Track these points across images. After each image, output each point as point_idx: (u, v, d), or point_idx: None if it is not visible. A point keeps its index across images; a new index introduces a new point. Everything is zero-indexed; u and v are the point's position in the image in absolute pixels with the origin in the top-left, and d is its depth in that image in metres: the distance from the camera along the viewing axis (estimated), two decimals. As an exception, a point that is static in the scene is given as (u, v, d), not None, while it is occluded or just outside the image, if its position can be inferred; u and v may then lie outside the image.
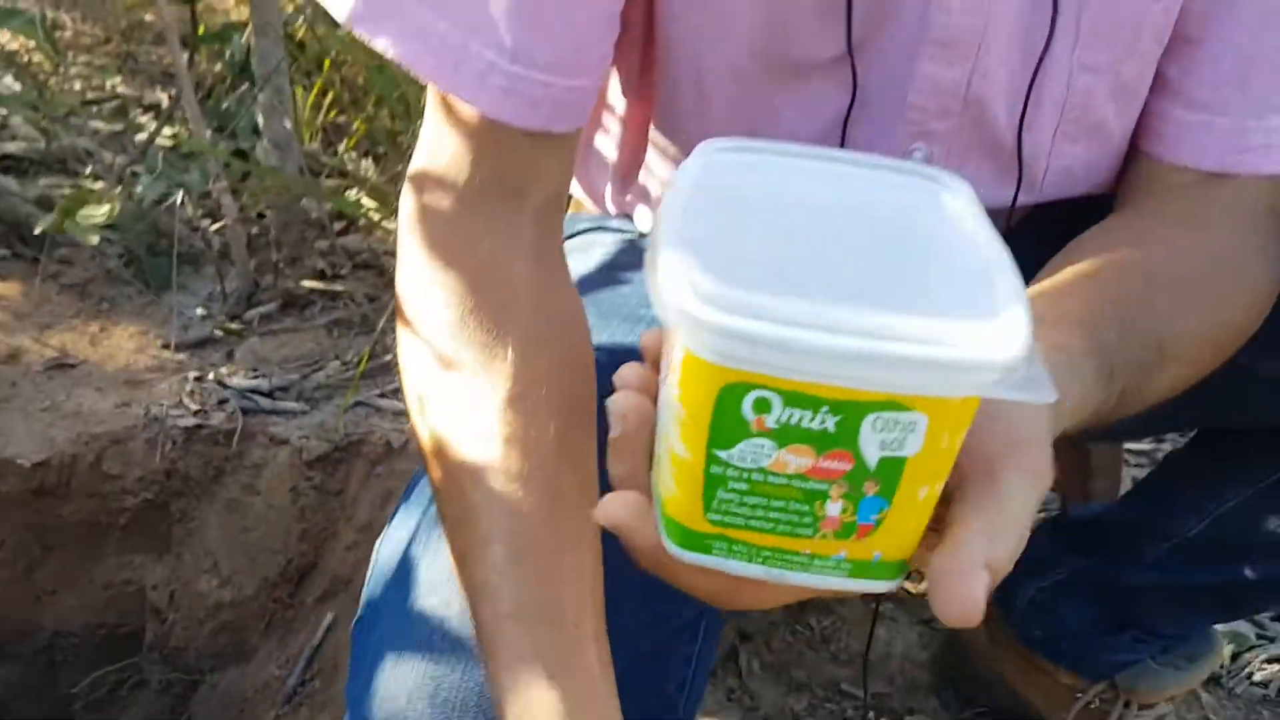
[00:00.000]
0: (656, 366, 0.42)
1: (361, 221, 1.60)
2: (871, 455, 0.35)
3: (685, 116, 0.74)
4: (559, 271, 0.66)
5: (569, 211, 0.93)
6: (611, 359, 0.58)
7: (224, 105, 1.61)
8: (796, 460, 0.36)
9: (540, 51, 0.59)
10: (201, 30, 1.69)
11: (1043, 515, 1.26)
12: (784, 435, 0.35)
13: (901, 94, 0.68)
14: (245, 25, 1.58)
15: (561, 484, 0.60)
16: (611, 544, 0.49)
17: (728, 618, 1.15)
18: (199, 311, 1.47)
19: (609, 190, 0.85)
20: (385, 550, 0.71)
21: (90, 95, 2.09)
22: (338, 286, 1.49)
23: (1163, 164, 0.69)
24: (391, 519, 0.72)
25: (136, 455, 1.30)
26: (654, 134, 0.77)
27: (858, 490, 0.36)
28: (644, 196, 0.83)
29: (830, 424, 0.35)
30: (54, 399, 1.32)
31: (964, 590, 0.37)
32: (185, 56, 1.39)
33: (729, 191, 0.40)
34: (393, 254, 1.26)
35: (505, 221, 0.62)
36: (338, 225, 1.59)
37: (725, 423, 0.35)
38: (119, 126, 1.99)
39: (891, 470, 0.36)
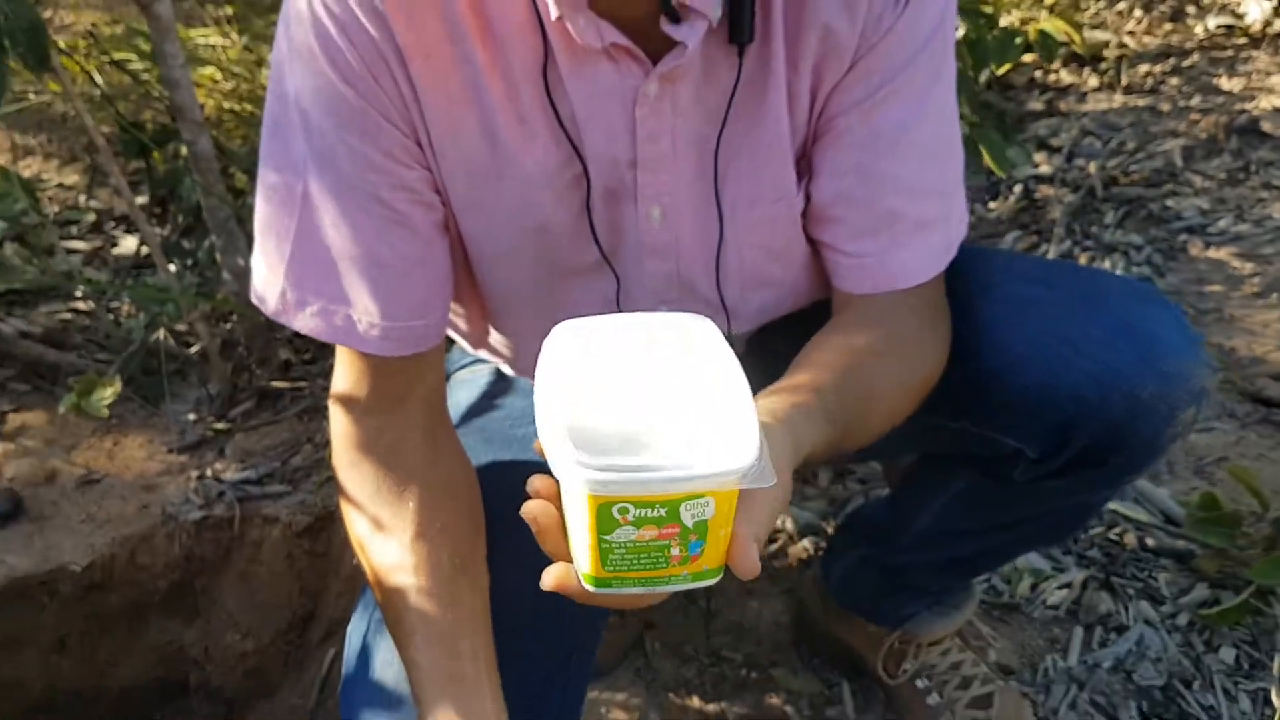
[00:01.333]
0: (552, 479, 0.64)
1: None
2: (689, 522, 0.63)
3: (508, 307, 1.06)
4: (447, 443, 0.99)
5: (452, 348, 1.26)
6: (499, 472, 0.92)
7: (183, 244, 1.92)
8: (648, 534, 0.63)
9: (398, 310, 0.92)
10: (150, 181, 1.99)
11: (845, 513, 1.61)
12: (639, 522, 0.63)
13: (643, 279, 1.00)
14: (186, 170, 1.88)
15: (458, 589, 0.93)
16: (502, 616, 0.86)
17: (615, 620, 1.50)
18: (191, 417, 1.80)
19: (469, 348, 1.18)
20: (352, 638, 1.04)
21: (66, 215, 2.39)
22: (301, 380, 1.82)
23: (843, 291, 1.01)
24: (353, 615, 1.06)
25: (160, 547, 1.63)
26: (491, 316, 1.10)
27: (685, 540, 0.64)
28: (494, 352, 1.15)
29: (663, 512, 0.62)
30: (89, 511, 1.65)
31: (744, 554, 0.65)
32: (143, 203, 1.69)
33: (576, 365, 0.68)
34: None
35: (399, 417, 0.95)
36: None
37: (604, 522, 0.63)
38: (98, 243, 2.31)
39: (701, 527, 0.64)
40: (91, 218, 2.36)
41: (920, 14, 0.89)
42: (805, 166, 0.96)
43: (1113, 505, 1.58)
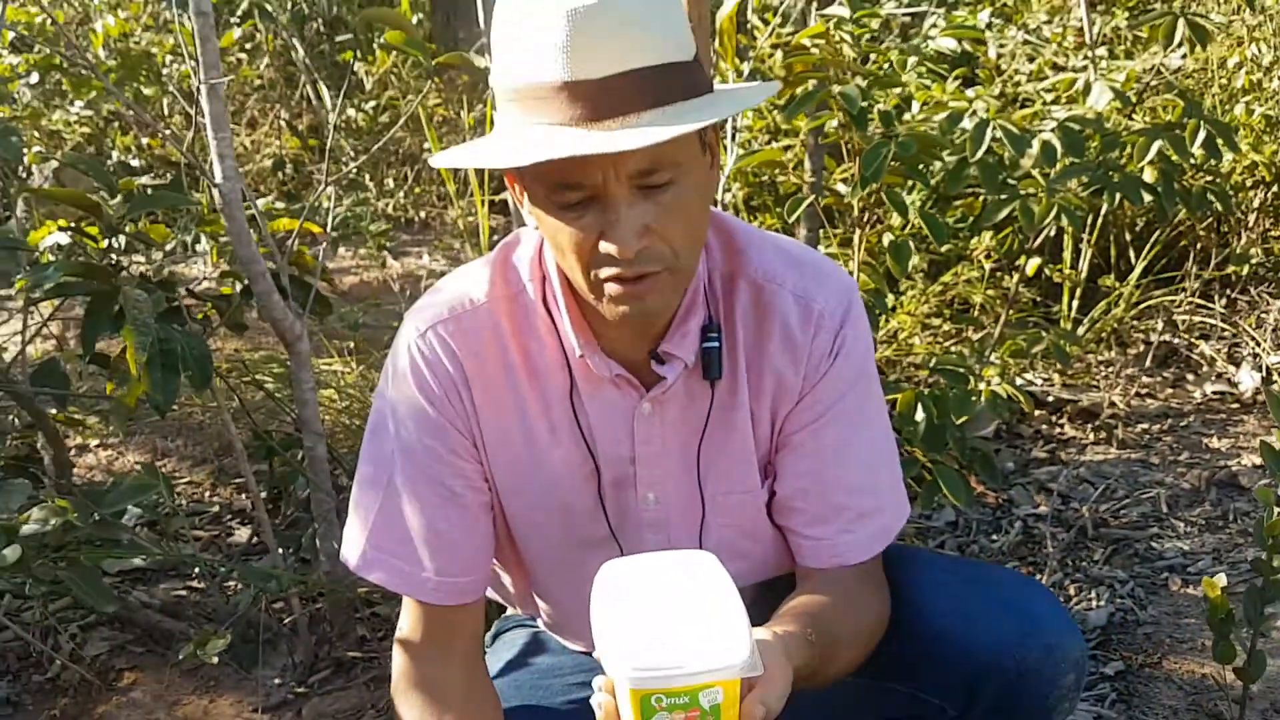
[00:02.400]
0: (612, 692, 0.93)
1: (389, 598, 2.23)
2: (706, 705, 0.90)
3: (541, 572, 1.38)
4: (480, 683, 1.30)
5: (506, 613, 1.57)
6: (525, 713, 1.22)
7: (292, 528, 2.29)
8: (679, 717, 0.89)
9: (450, 568, 1.25)
10: (270, 480, 2.39)
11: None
12: (670, 709, 0.89)
13: (642, 548, 1.31)
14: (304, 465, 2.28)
15: None
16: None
17: None
18: (276, 681, 2.09)
19: (517, 608, 1.49)
20: None
21: (193, 507, 2.80)
22: (373, 654, 2.12)
23: (804, 566, 1.31)
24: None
25: (240, 792, 1.89)
26: (530, 580, 1.41)
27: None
28: (535, 610, 1.46)
29: (687, 700, 0.89)
30: (183, 756, 1.93)
31: (752, 715, 0.93)
32: (263, 498, 2.07)
33: (620, 589, 0.98)
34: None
35: (444, 658, 1.27)
36: (373, 604, 2.22)
37: (646, 708, 0.90)
38: (216, 532, 2.69)
39: (716, 710, 0.90)
40: (215, 509, 2.76)
41: (847, 362, 1.25)
42: (769, 470, 1.30)
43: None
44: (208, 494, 2.87)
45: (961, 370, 1.97)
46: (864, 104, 1.68)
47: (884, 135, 1.70)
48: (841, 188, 2.16)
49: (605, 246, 1.03)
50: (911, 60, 2.51)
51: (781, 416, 1.27)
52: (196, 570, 2.44)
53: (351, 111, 4.63)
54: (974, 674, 1.24)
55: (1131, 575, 2.37)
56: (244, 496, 2.84)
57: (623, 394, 1.24)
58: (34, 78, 2.79)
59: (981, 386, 2.11)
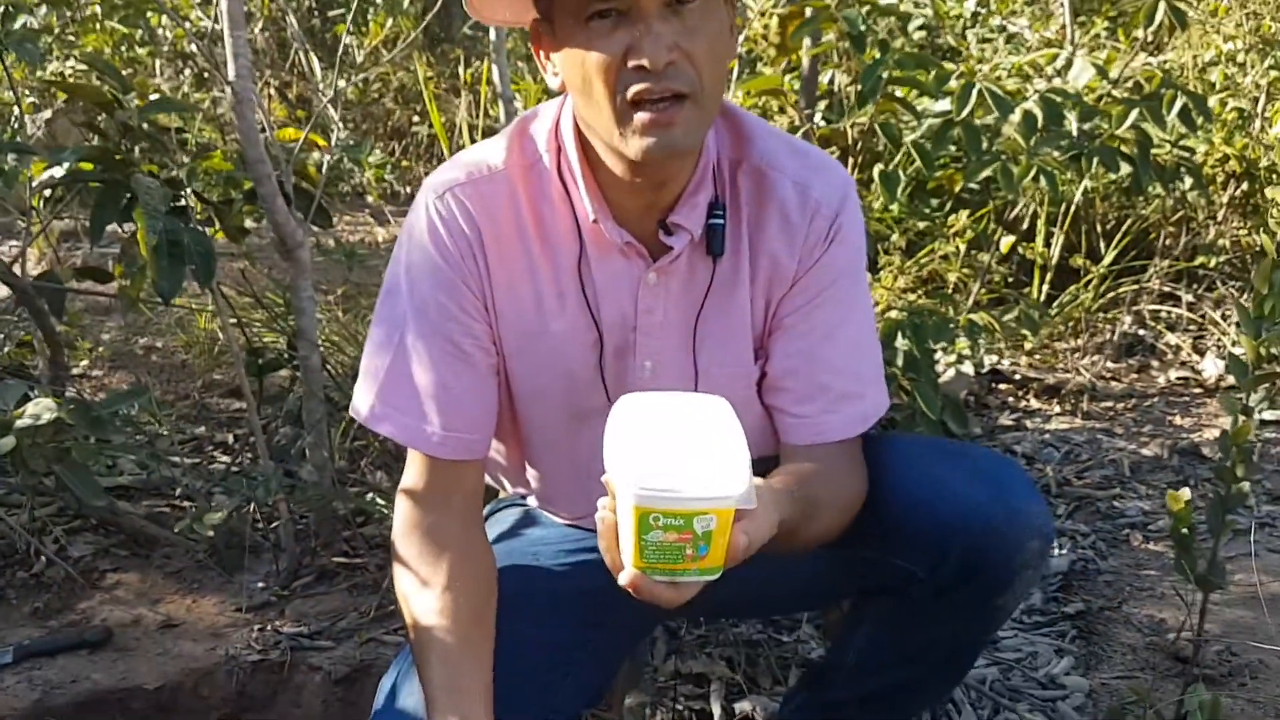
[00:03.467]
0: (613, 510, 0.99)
1: (376, 516, 2.27)
2: (700, 531, 0.95)
3: (539, 442, 1.43)
4: (476, 531, 1.34)
5: (500, 496, 1.62)
6: (513, 573, 1.28)
7: (281, 443, 2.33)
8: (671, 537, 0.95)
9: (456, 424, 1.30)
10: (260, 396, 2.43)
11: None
12: (665, 528, 0.95)
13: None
14: (294, 387, 2.32)
15: (470, 632, 1.26)
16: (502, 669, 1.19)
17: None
18: (259, 585, 2.13)
19: (508, 486, 1.55)
20: (384, 684, 1.34)
21: (176, 438, 2.82)
22: (357, 561, 2.16)
23: (789, 443, 1.37)
24: (388, 672, 1.36)
25: (220, 682, 1.92)
26: (526, 452, 1.47)
27: (696, 544, 0.96)
28: (527, 486, 1.51)
29: (681, 522, 0.94)
30: (165, 648, 1.96)
31: (734, 553, 0.98)
32: (256, 410, 2.11)
33: (636, 418, 1.03)
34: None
35: (444, 506, 1.31)
36: (359, 519, 2.26)
37: (644, 525, 0.95)
38: (196, 460, 2.72)
39: (708, 535, 0.95)
40: (195, 441, 2.79)
41: (841, 249, 1.31)
42: (762, 350, 1.36)
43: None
44: (189, 428, 2.90)
45: (940, 306, 2.04)
46: (863, 29, 1.76)
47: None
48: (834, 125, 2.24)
49: (635, 61, 1.09)
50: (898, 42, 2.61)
51: (776, 300, 1.34)
52: (179, 490, 2.47)
53: (342, 83, 4.69)
54: (942, 535, 1.31)
55: (1093, 530, 2.45)
56: (225, 431, 2.87)
57: (630, 263, 1.29)
58: (43, 10, 2.82)
59: (956, 336, 2.19)
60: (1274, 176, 3.26)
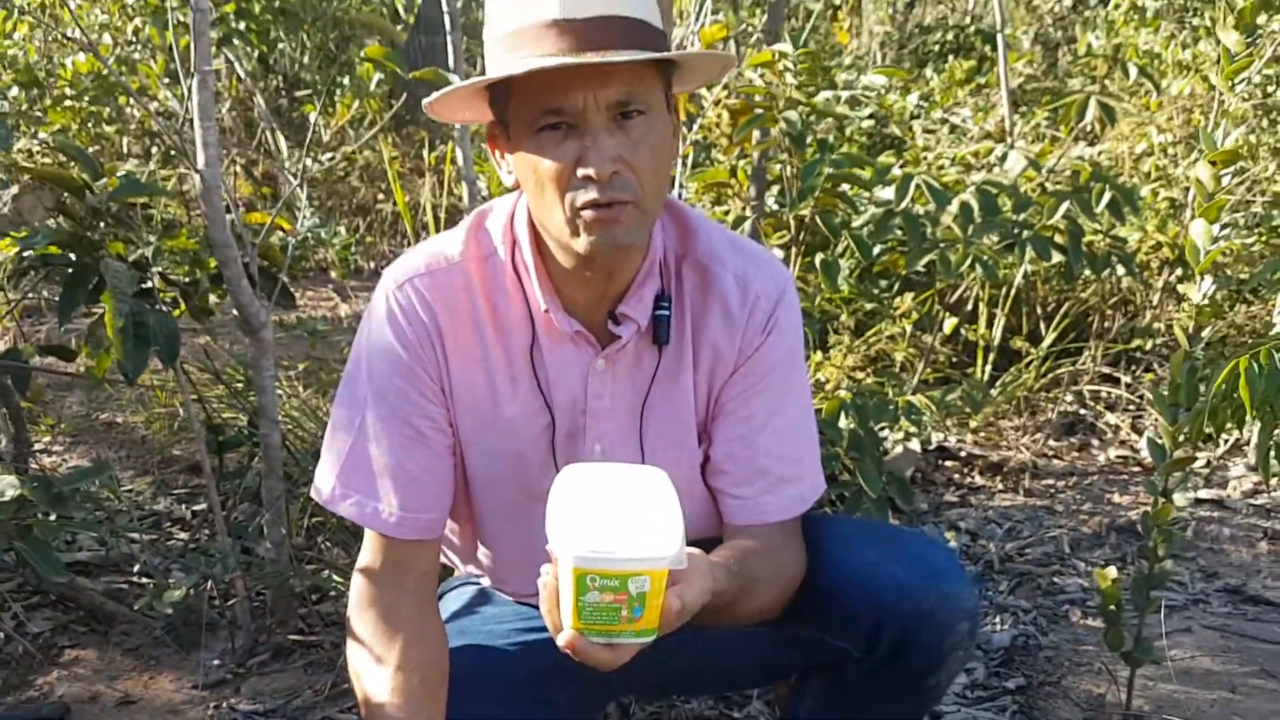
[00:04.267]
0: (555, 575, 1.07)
1: (332, 593, 2.30)
2: (635, 592, 1.01)
3: (491, 525, 1.49)
4: (429, 612, 1.39)
5: (454, 574, 1.67)
6: (466, 652, 1.33)
7: (239, 519, 2.37)
8: (607, 598, 1.02)
9: (412, 504, 1.36)
10: (222, 473, 2.47)
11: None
12: (602, 589, 1.01)
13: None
14: (253, 464, 2.37)
15: (422, 715, 1.30)
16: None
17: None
18: (216, 662, 2.15)
19: (461, 565, 1.60)
20: None
21: (135, 514, 2.84)
22: (312, 638, 2.19)
23: (731, 524, 1.44)
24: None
25: (175, 760, 1.94)
26: (479, 533, 1.52)
27: (631, 605, 1.02)
28: (479, 565, 1.56)
29: (617, 584, 1.01)
30: (120, 724, 1.98)
31: (667, 617, 1.04)
32: (215, 486, 2.15)
33: (577, 487, 1.10)
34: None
35: (398, 586, 1.37)
36: (315, 596, 2.30)
37: (581, 586, 1.01)
38: (154, 536, 2.74)
39: (642, 597, 1.02)
40: (154, 517, 2.81)
41: (779, 340, 1.40)
42: (705, 435, 1.43)
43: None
44: (148, 504, 2.92)
45: (883, 389, 2.13)
46: (802, 129, 1.87)
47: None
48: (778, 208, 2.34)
49: (583, 170, 1.17)
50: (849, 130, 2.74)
51: (718, 387, 1.41)
52: (137, 567, 2.49)
53: (308, 162, 4.77)
54: (875, 618, 1.37)
55: (1034, 605, 2.52)
56: (184, 507, 2.90)
57: (580, 350, 1.37)
58: (14, 91, 2.89)
59: (900, 417, 2.28)
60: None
